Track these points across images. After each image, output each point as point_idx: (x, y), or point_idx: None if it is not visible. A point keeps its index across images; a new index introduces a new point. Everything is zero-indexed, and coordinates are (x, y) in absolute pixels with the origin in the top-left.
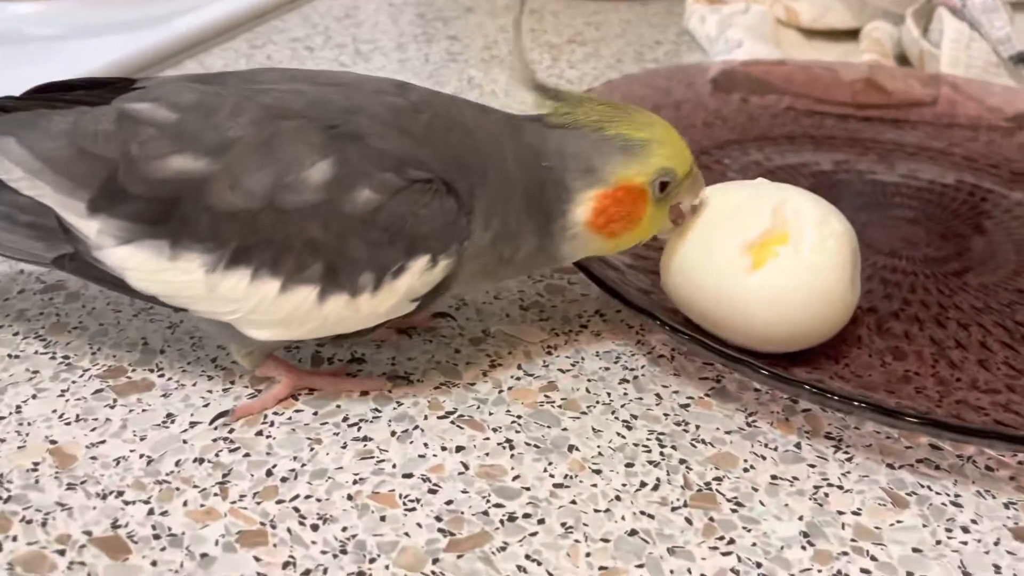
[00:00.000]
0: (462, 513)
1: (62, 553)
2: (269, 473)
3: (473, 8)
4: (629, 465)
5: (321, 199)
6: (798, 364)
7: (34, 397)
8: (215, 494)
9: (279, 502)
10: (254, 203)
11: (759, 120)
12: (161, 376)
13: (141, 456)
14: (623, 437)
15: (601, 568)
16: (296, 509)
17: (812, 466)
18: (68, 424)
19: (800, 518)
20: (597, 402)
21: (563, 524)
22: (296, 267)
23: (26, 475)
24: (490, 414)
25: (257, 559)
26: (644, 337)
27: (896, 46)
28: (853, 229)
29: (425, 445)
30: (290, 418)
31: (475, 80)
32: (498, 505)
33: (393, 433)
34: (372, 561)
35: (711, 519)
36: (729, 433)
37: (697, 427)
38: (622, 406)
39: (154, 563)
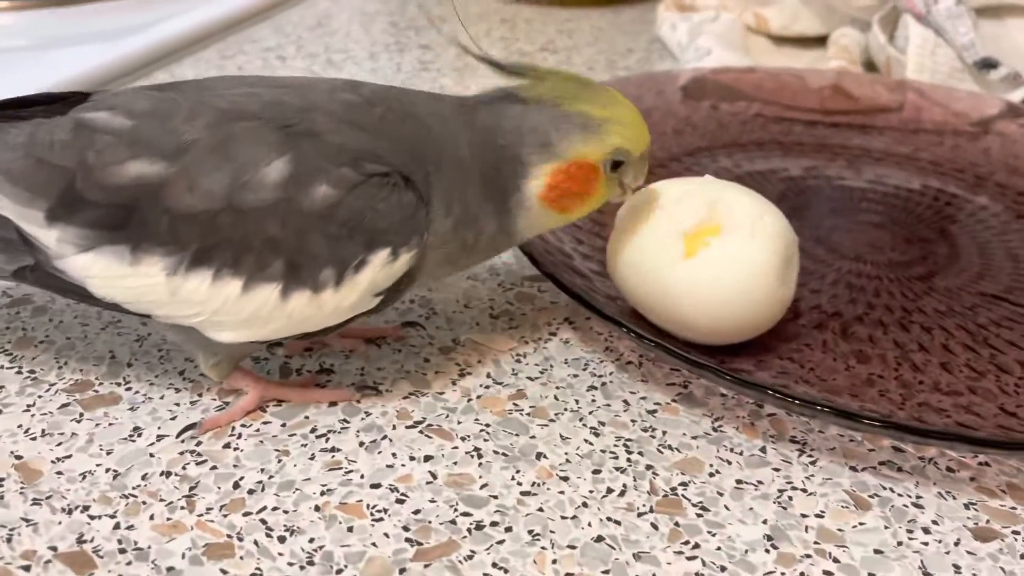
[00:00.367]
0: (429, 522)
1: (27, 569)
2: (236, 486)
3: (445, 17)
4: (596, 472)
5: (279, 197)
6: (763, 369)
7: (0, 412)
8: (182, 507)
9: (246, 514)
10: (213, 204)
11: (729, 127)
12: (128, 390)
13: (107, 470)
14: (591, 444)
15: (567, 575)
16: (263, 521)
17: (777, 470)
18: (34, 439)
19: (764, 522)
20: (565, 409)
21: (530, 532)
22: (257, 266)
23: None
24: (459, 423)
25: (224, 572)
26: (613, 344)
27: (863, 52)
28: (790, 227)
29: (393, 455)
30: (258, 430)
31: (447, 88)
32: (465, 514)
33: (361, 443)
34: (339, 572)
35: (677, 524)
36: (695, 438)
37: (664, 433)
38: (590, 413)
39: None
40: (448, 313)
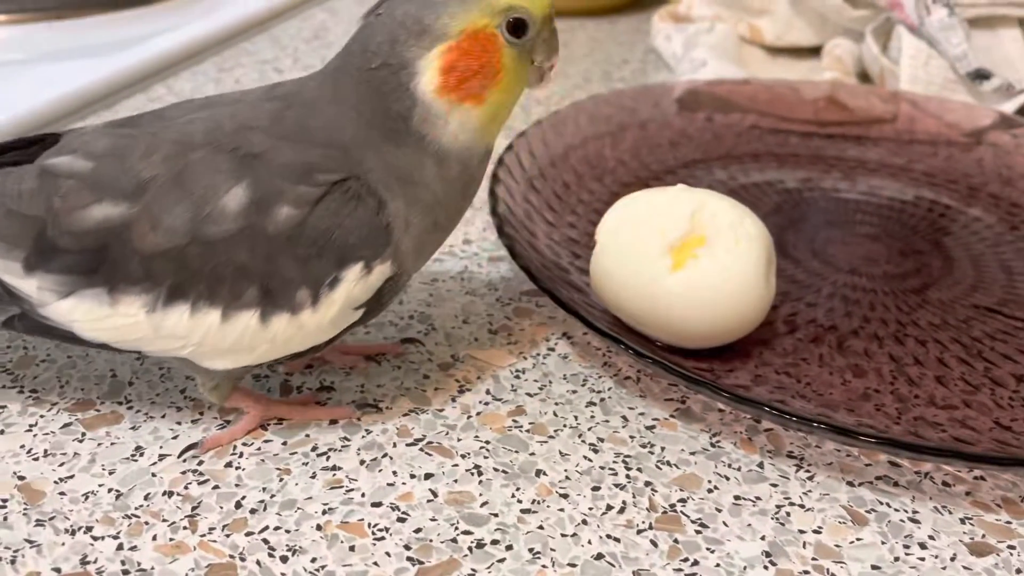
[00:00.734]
0: (431, 541)
1: None
2: (238, 505)
3: None
4: (596, 488)
5: (242, 225)
6: (761, 384)
7: (2, 432)
8: (184, 527)
9: (248, 534)
10: (178, 240)
11: (724, 139)
12: (130, 408)
13: (110, 490)
14: (590, 460)
15: None
16: (265, 541)
17: (774, 485)
18: (36, 459)
19: (762, 538)
20: (564, 425)
21: (531, 549)
22: (232, 295)
23: None
24: (459, 440)
25: None
26: (610, 359)
27: (857, 63)
28: (765, 228)
29: (394, 473)
30: (259, 448)
31: None
32: (466, 532)
33: (362, 462)
34: None
35: (676, 541)
36: (694, 454)
37: (662, 449)
38: (589, 429)
39: None
40: (447, 329)
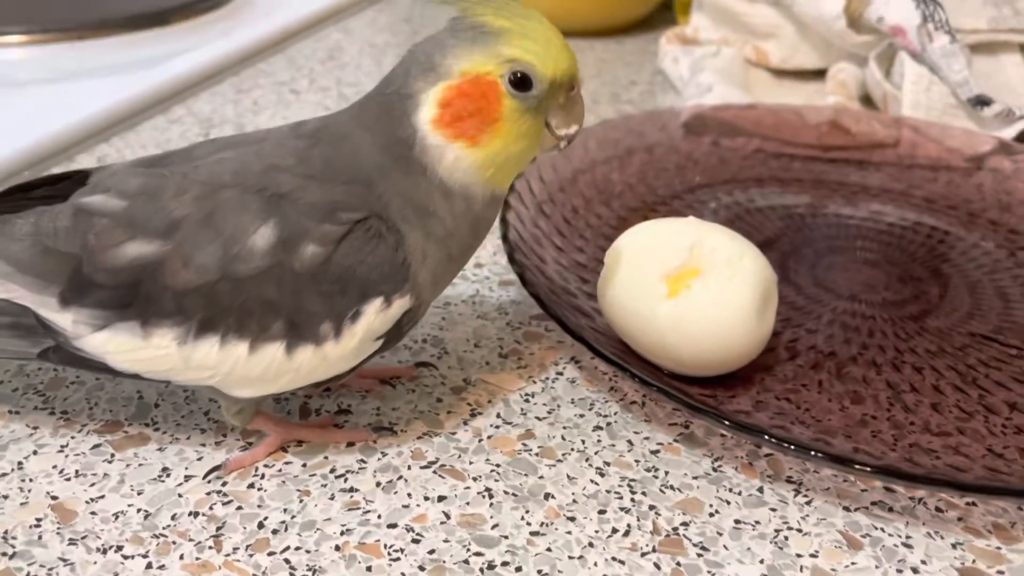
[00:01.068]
0: (444, 562)
1: None
2: (261, 525)
3: None
4: (602, 512)
5: (270, 263)
6: (761, 410)
7: (35, 453)
8: (210, 547)
9: (271, 554)
10: (209, 276)
11: (729, 163)
12: (156, 430)
13: (139, 510)
14: (596, 484)
15: None
16: (287, 561)
17: (773, 510)
18: (68, 480)
19: (761, 561)
20: (572, 449)
21: (539, 571)
22: (260, 328)
23: (29, 531)
24: (470, 463)
25: None
26: (617, 384)
27: (861, 87)
28: (768, 266)
29: (408, 495)
30: (280, 470)
31: None
32: (478, 554)
33: (378, 484)
34: None
35: (678, 564)
36: (696, 478)
37: (666, 473)
38: (596, 453)
39: None
40: (459, 352)
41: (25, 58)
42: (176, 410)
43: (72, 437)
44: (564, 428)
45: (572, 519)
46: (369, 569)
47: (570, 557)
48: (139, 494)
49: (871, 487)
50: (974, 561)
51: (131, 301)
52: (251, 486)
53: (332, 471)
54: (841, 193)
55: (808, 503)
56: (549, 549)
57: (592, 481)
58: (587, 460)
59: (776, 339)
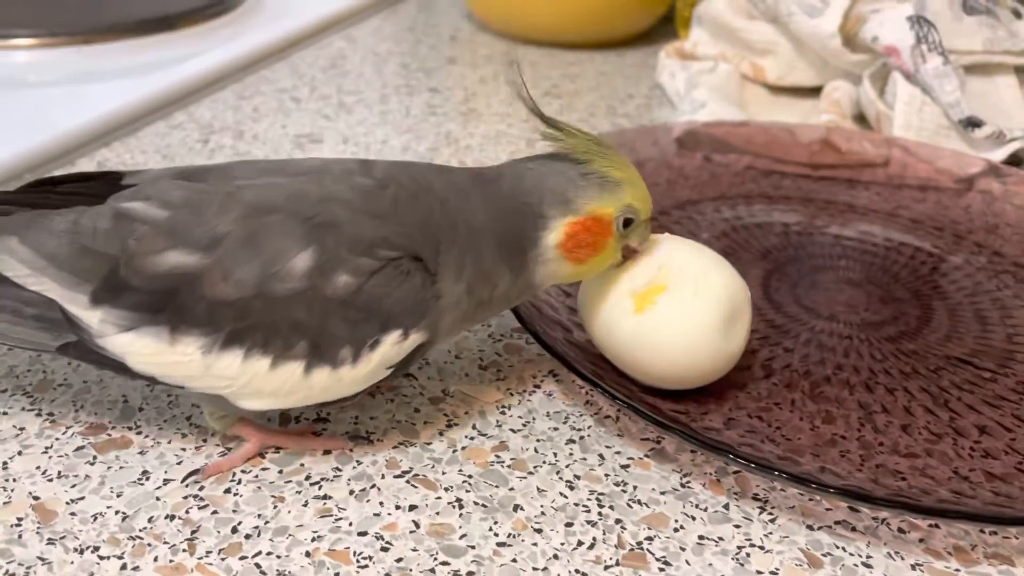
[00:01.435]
0: (410, 571)
1: None
2: (235, 530)
3: (455, 59)
4: (569, 524)
5: (305, 286)
6: (733, 427)
7: (20, 453)
8: (183, 550)
9: (242, 558)
10: (246, 292)
11: (720, 179)
12: (139, 434)
13: (117, 512)
14: (565, 497)
15: None
16: (258, 566)
17: (738, 526)
18: (51, 480)
19: None
20: (544, 462)
21: None
22: (284, 346)
23: (10, 530)
24: (443, 473)
25: None
26: (592, 398)
27: (855, 106)
28: (740, 285)
29: (381, 504)
30: (257, 476)
31: (452, 134)
32: (444, 563)
33: (352, 492)
34: None
35: None
36: (664, 494)
37: (635, 487)
38: (567, 466)
39: None
40: (440, 363)
41: (34, 61)
42: (159, 414)
43: (56, 439)
44: (538, 441)
45: (539, 531)
46: (337, 575)
47: (534, 568)
48: (118, 496)
49: (835, 507)
50: None
51: (164, 307)
52: (227, 491)
53: (307, 478)
54: (829, 212)
55: (772, 520)
56: (514, 560)
57: (561, 494)
58: (558, 473)
59: (752, 357)
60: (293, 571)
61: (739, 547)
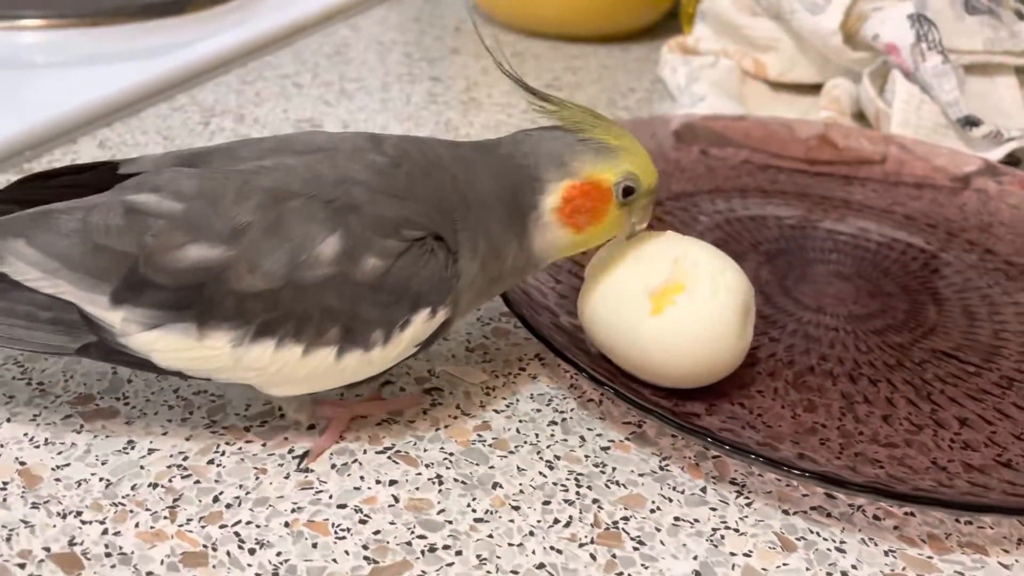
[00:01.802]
0: (387, 543)
1: (22, 567)
2: (216, 499)
3: (459, 49)
4: (546, 503)
5: (335, 272)
6: (714, 413)
7: (8, 420)
8: (165, 517)
9: (222, 527)
10: (274, 283)
11: (717, 172)
12: (127, 405)
13: (101, 479)
14: (544, 476)
15: None
16: (237, 534)
17: (714, 509)
18: (37, 447)
19: (695, 558)
20: (525, 442)
21: (478, 556)
22: (316, 333)
23: None
24: (425, 450)
25: None
26: (576, 381)
27: (855, 103)
28: (747, 280)
29: (361, 478)
30: (240, 448)
31: (452, 122)
32: (421, 536)
33: (334, 466)
34: None
35: (614, 556)
36: (642, 475)
37: (614, 469)
38: (547, 447)
39: None
40: None
41: (42, 41)
42: (147, 386)
43: (45, 407)
44: (520, 422)
45: (516, 508)
46: (315, 546)
47: (510, 544)
48: (103, 464)
49: (812, 492)
50: (904, 568)
51: (190, 303)
52: (211, 462)
53: (290, 451)
54: (823, 207)
55: (748, 504)
56: (491, 535)
57: (540, 473)
58: (538, 453)
59: None
60: (271, 540)
61: (714, 529)
